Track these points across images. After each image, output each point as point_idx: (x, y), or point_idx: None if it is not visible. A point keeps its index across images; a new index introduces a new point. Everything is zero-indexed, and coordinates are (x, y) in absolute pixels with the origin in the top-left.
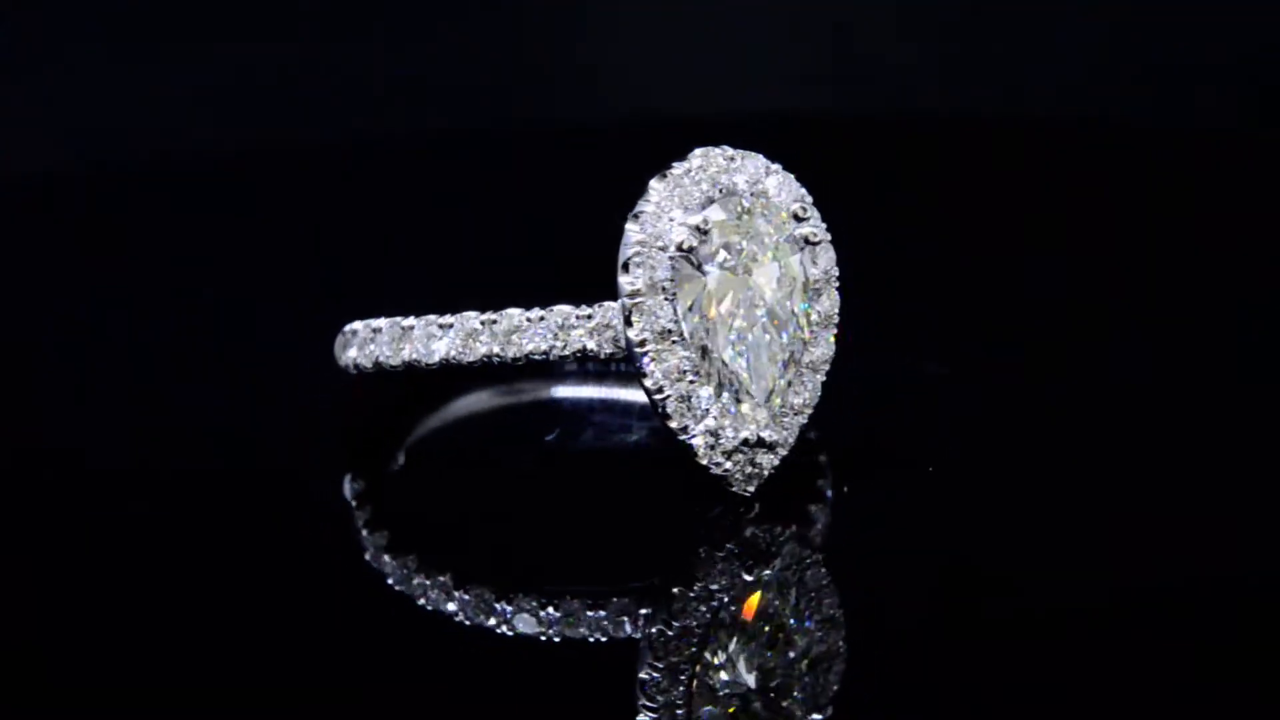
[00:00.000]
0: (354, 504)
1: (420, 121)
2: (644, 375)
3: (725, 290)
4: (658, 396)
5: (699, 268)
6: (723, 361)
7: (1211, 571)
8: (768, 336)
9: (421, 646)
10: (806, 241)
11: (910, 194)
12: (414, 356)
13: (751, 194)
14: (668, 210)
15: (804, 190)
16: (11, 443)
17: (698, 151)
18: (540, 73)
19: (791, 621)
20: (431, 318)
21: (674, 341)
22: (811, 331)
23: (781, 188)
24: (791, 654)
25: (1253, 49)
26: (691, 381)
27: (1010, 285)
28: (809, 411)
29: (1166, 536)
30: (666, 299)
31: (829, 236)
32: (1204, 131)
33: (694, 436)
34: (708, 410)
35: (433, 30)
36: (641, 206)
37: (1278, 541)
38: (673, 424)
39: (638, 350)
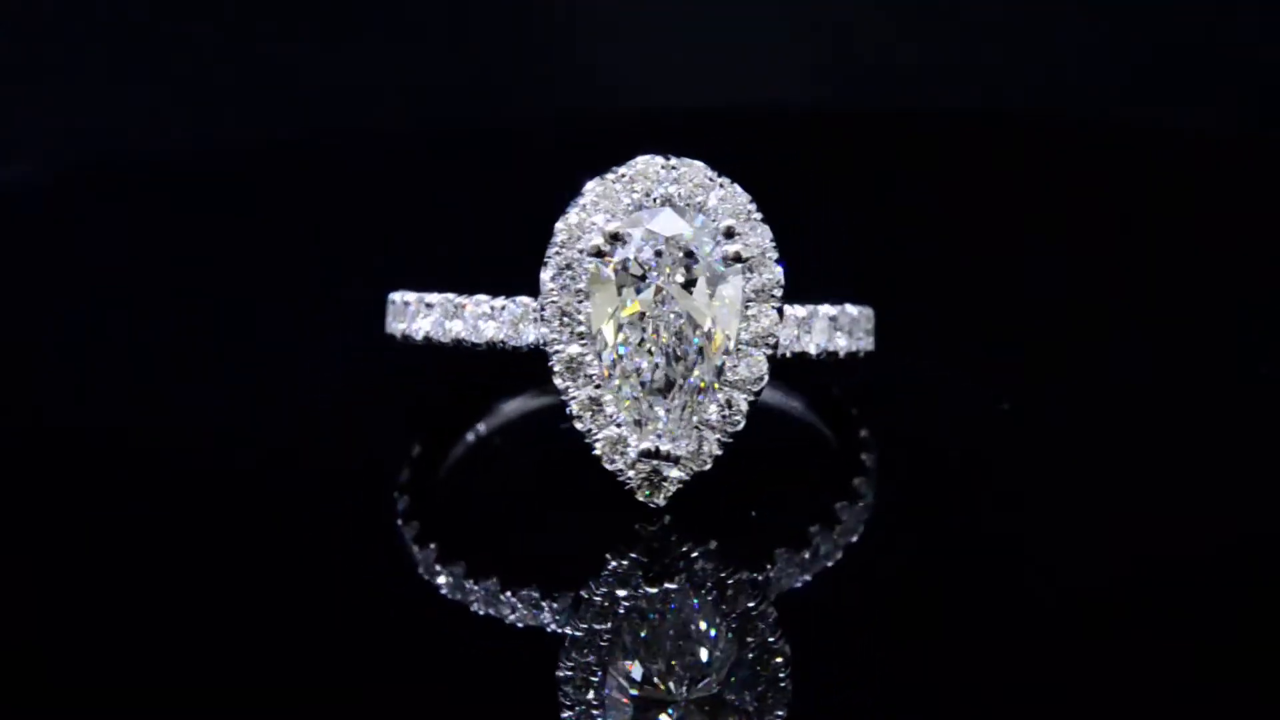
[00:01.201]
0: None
1: (420, 118)
2: (554, 374)
3: (635, 300)
4: (565, 397)
5: (616, 274)
6: (629, 370)
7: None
8: (679, 349)
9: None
10: (737, 258)
11: (909, 192)
12: (463, 335)
13: (686, 205)
14: (593, 213)
15: (749, 205)
16: (59, 447)
17: (640, 158)
18: (540, 68)
19: (704, 626)
20: (482, 298)
21: (583, 344)
22: (738, 349)
23: (723, 201)
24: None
25: (1252, 48)
26: (598, 386)
27: (1009, 284)
28: (731, 429)
29: (1167, 536)
30: (579, 301)
31: (765, 253)
32: (1204, 130)
33: (598, 441)
34: (612, 417)
35: (432, 27)
36: (570, 206)
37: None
38: (579, 426)
39: (547, 349)
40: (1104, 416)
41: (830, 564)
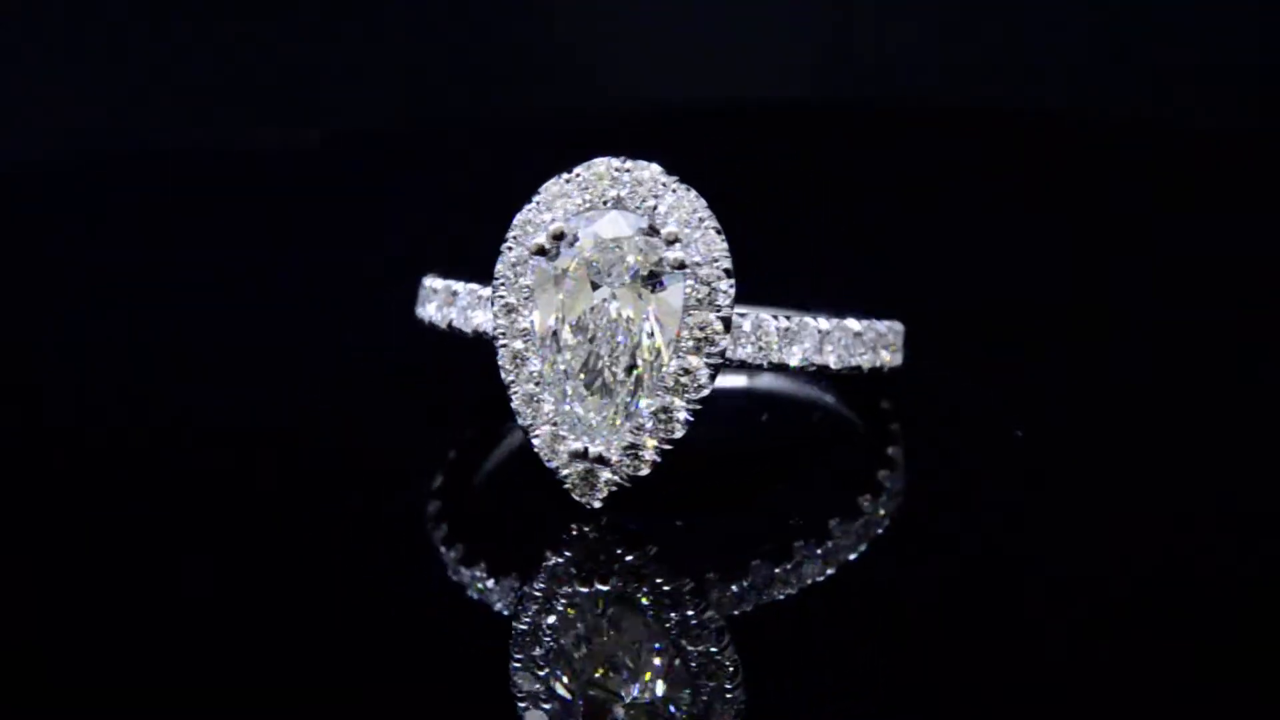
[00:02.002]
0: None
1: (419, 115)
2: (499, 366)
3: (575, 301)
4: (509, 391)
5: (558, 274)
6: (565, 370)
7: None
8: (615, 353)
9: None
10: (680, 265)
11: (909, 189)
12: (485, 326)
13: (636, 208)
14: (542, 212)
15: (700, 211)
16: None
17: (597, 160)
18: (538, 67)
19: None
20: (475, 286)
21: (525, 340)
22: (676, 356)
23: (672, 207)
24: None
25: (1251, 47)
26: (537, 383)
27: (1010, 282)
28: (668, 435)
29: (1172, 534)
30: (524, 298)
31: (711, 261)
32: (1206, 127)
33: (535, 437)
34: (549, 415)
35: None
36: (528, 202)
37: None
38: (520, 420)
39: (493, 340)
40: (1104, 415)
41: (852, 558)
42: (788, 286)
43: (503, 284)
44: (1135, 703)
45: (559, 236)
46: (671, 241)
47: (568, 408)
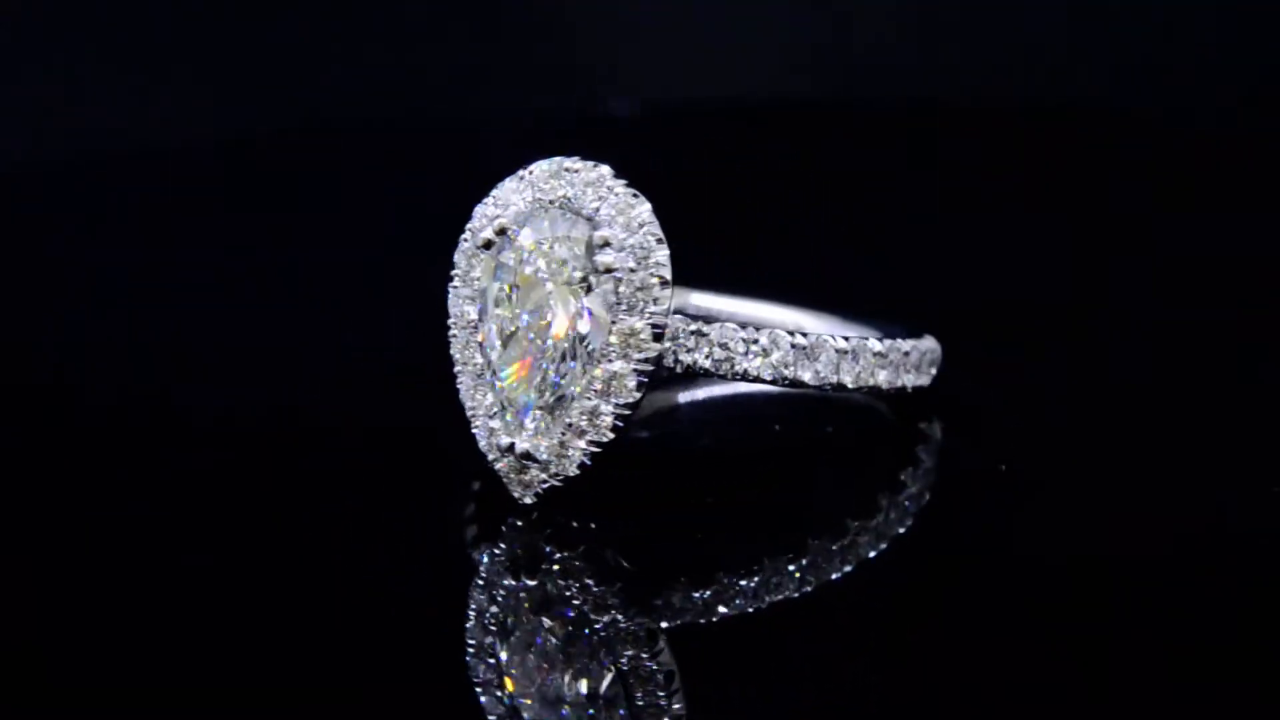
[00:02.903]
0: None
1: (419, 115)
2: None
3: (518, 298)
4: (456, 380)
5: (498, 270)
6: (499, 366)
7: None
8: (546, 353)
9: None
10: (608, 270)
11: (909, 189)
12: None
13: (577, 210)
14: (491, 207)
15: (642, 217)
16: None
17: (553, 159)
18: (540, 64)
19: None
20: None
21: (471, 330)
22: (605, 360)
23: (614, 210)
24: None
25: (1250, 45)
26: (479, 375)
27: (1010, 282)
28: (598, 438)
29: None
30: (474, 291)
31: (644, 267)
32: (1206, 127)
33: (476, 427)
34: (490, 408)
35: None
36: (486, 197)
37: None
38: (467, 412)
39: (449, 327)
40: (1103, 416)
41: (870, 556)
42: (788, 287)
43: (457, 276)
44: (1135, 703)
45: (502, 232)
46: (603, 245)
47: (503, 398)
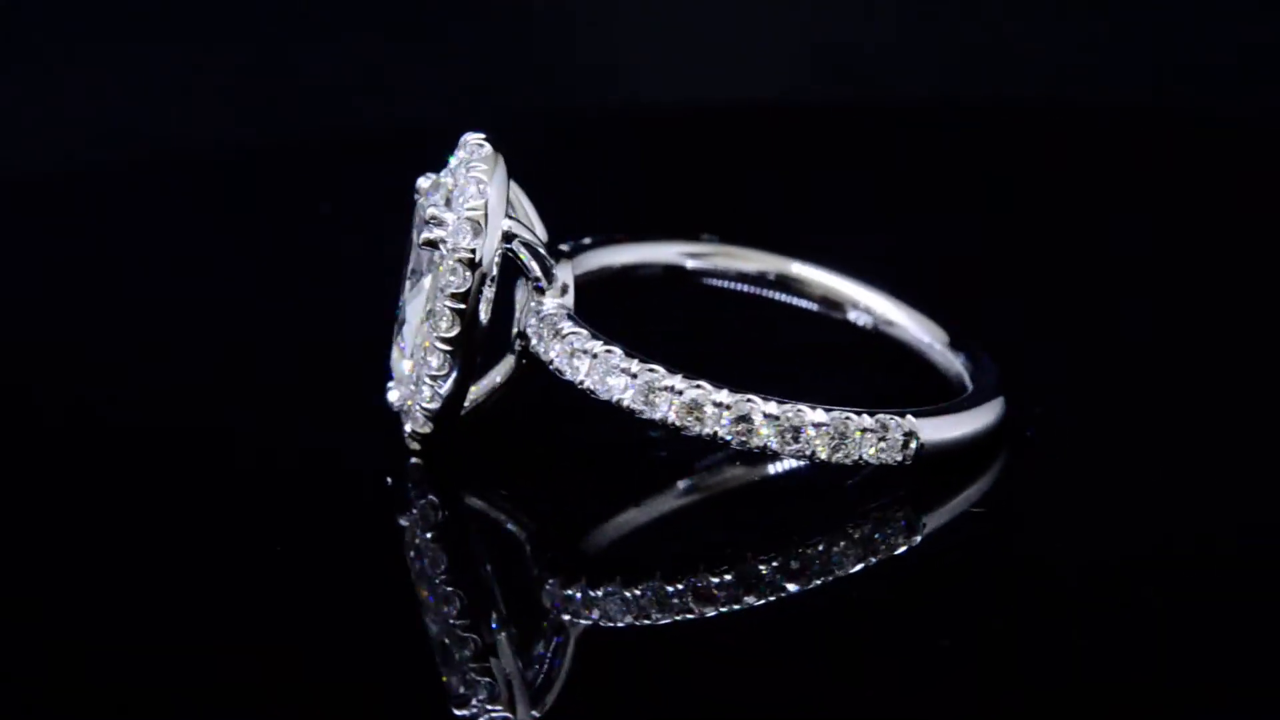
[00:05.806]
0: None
1: (419, 115)
2: None
3: (415, 278)
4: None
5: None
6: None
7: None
8: (417, 333)
9: None
10: (435, 245)
11: (908, 186)
12: None
13: (458, 199)
14: (431, 194)
15: (474, 200)
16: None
17: (477, 139)
18: (539, 64)
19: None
20: None
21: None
22: (426, 336)
23: (461, 190)
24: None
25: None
26: (400, 348)
27: (1010, 282)
28: (428, 406)
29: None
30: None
31: (453, 249)
32: (1208, 126)
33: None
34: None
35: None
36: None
37: None
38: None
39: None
40: (1104, 415)
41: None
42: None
43: (411, 254)
44: (1135, 702)
45: (434, 219)
46: (429, 221)
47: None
